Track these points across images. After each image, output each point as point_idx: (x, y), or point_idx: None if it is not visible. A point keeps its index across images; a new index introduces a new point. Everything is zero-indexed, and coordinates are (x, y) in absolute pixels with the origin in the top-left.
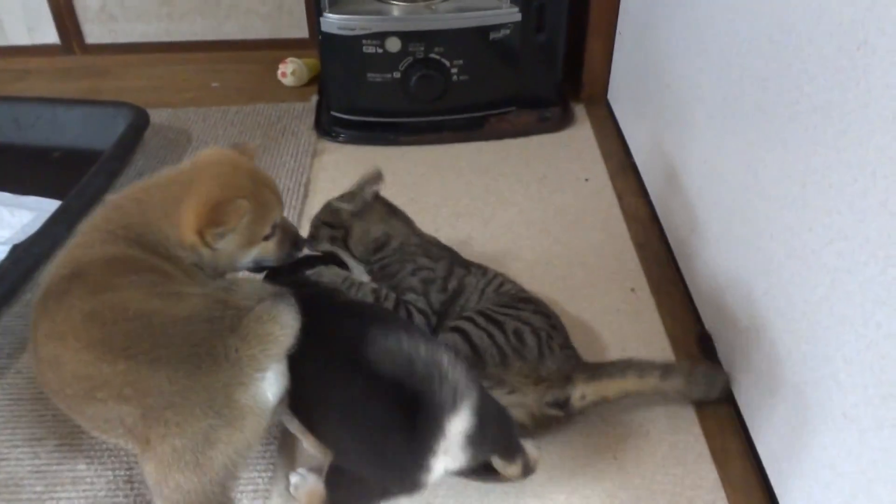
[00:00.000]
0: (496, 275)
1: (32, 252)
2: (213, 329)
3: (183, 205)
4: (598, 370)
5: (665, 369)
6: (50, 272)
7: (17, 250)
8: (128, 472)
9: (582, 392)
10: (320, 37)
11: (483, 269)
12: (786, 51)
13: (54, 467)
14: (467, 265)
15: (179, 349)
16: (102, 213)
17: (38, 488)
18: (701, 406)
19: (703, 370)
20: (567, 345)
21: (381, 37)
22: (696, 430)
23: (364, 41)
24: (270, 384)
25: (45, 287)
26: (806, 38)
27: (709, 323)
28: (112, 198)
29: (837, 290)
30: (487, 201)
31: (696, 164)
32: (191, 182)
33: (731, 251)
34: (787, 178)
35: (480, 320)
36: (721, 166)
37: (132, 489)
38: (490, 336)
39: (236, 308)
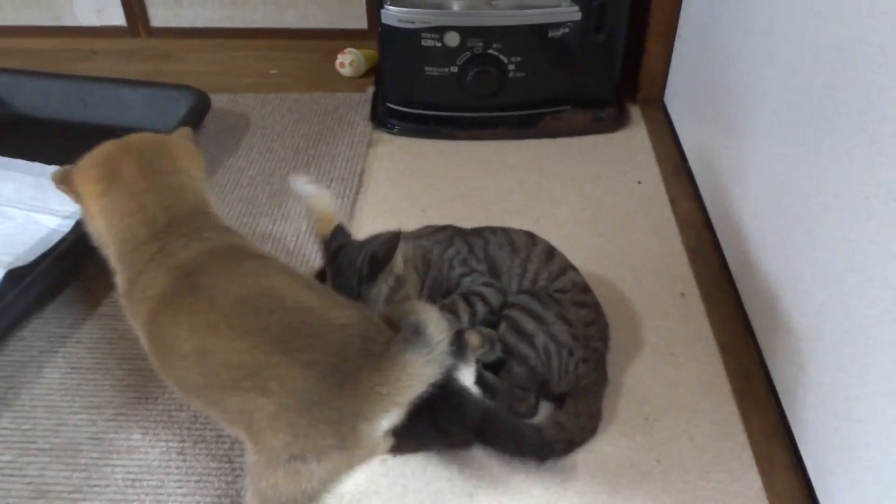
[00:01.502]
0: (526, 259)
1: None
2: (365, 349)
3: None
4: (578, 400)
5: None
6: (147, 287)
7: (82, 225)
8: (180, 444)
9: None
10: (380, 29)
11: (503, 242)
12: (856, 61)
13: (111, 435)
14: (470, 233)
15: (331, 358)
16: (147, 225)
17: (95, 454)
18: (748, 415)
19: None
20: (585, 357)
21: (441, 31)
22: (742, 438)
23: (423, 35)
24: (389, 422)
25: (157, 296)
26: (878, 48)
27: (761, 331)
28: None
29: None
30: (539, 199)
31: (755, 171)
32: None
33: (787, 261)
34: (850, 189)
35: (518, 341)
36: (781, 174)
37: (184, 461)
38: (534, 349)
39: (386, 336)
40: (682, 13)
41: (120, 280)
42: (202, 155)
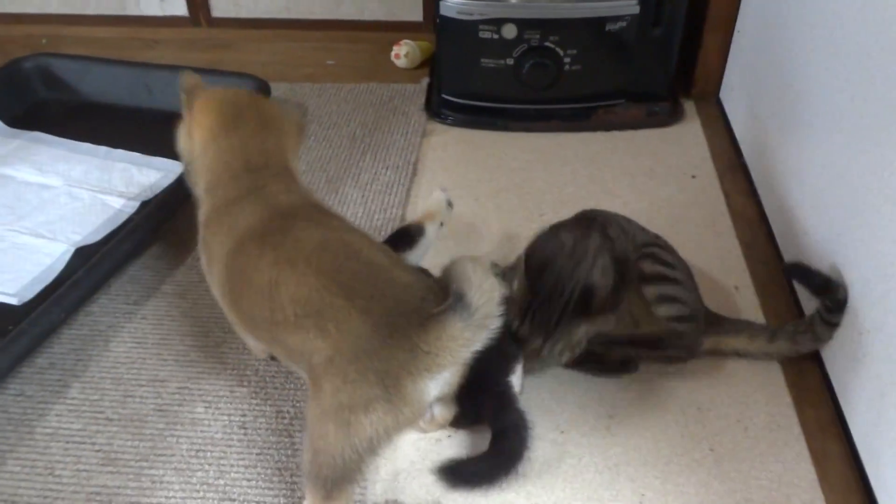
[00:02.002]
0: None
1: (161, 209)
2: (418, 308)
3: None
4: (718, 325)
5: (773, 333)
6: (239, 217)
7: (147, 207)
8: (242, 419)
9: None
10: (438, 20)
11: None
12: None
13: (175, 408)
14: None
15: (388, 310)
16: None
17: (160, 425)
18: (802, 407)
19: (806, 330)
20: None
21: (498, 23)
22: (797, 429)
23: (481, 26)
24: (435, 386)
25: (248, 227)
26: None
27: None
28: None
29: None
30: (592, 191)
31: (814, 165)
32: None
33: (845, 253)
34: None
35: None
36: (842, 167)
37: (245, 434)
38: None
39: (438, 301)
40: (741, 8)
41: (203, 209)
42: (304, 135)
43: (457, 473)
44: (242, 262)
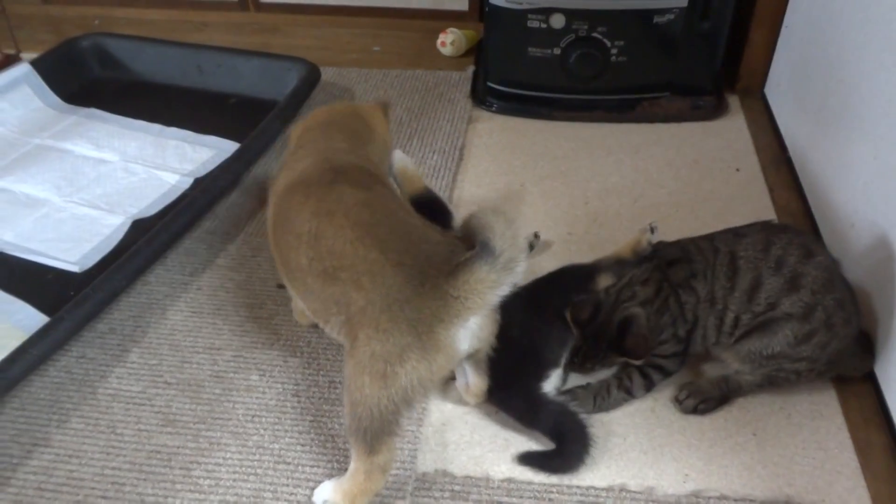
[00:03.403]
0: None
1: (216, 185)
2: (447, 260)
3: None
4: None
5: None
6: (299, 168)
7: (202, 183)
8: (295, 387)
9: None
10: (487, 9)
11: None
12: None
13: (231, 375)
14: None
15: (419, 263)
16: (321, 131)
17: (217, 391)
18: (846, 398)
19: None
20: None
21: (547, 13)
22: (839, 419)
23: (529, 16)
24: (466, 335)
25: (301, 178)
26: None
27: (863, 319)
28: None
29: None
30: (636, 181)
31: (864, 159)
32: (359, 112)
33: (894, 248)
34: None
35: None
36: (893, 160)
37: (299, 402)
38: None
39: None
40: (789, 4)
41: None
42: (387, 124)
43: (541, 463)
44: (288, 205)
